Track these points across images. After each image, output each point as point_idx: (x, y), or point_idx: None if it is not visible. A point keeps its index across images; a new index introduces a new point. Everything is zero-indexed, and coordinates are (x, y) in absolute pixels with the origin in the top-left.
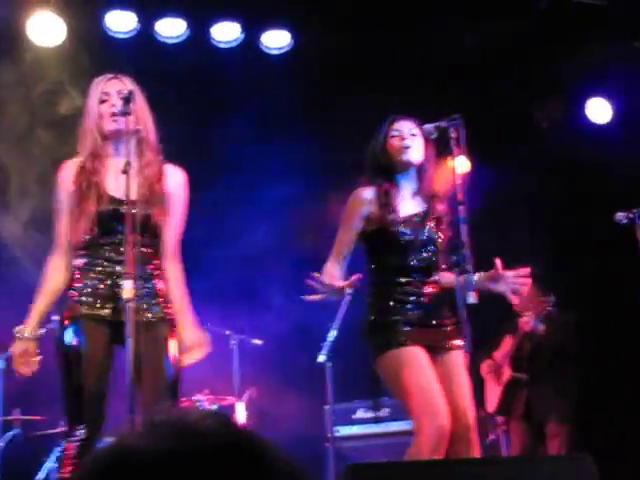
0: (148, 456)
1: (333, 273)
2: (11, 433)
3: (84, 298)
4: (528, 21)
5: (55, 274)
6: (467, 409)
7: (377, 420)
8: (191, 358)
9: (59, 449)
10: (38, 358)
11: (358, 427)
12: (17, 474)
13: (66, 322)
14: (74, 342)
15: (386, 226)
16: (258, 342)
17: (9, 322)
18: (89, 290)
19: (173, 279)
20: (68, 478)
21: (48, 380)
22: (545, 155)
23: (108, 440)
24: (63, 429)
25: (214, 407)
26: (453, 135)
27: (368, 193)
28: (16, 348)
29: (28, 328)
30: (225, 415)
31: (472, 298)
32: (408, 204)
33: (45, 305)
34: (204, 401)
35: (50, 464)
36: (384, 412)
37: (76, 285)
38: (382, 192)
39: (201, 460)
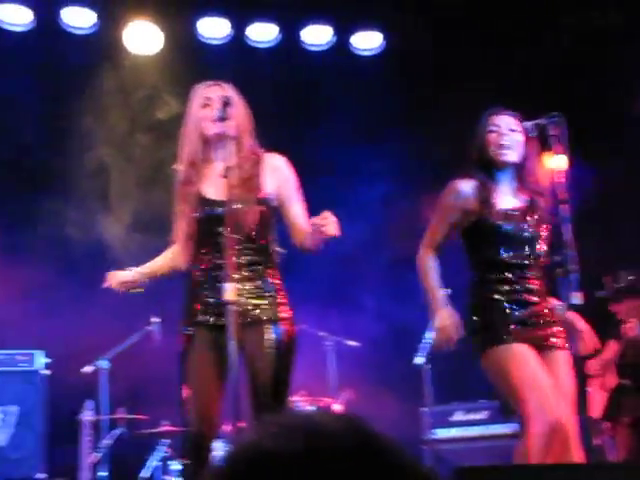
0: (282, 457)
1: (428, 267)
2: (117, 431)
3: (195, 305)
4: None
5: (169, 255)
6: (569, 415)
7: (476, 423)
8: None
9: (163, 448)
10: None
11: (456, 429)
12: (123, 471)
13: (184, 327)
14: (184, 347)
15: (485, 219)
16: (354, 344)
17: (111, 325)
18: (199, 298)
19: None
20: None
21: (151, 381)
22: None
23: (238, 441)
24: (167, 428)
25: (311, 409)
26: (553, 133)
27: (467, 185)
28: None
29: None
30: (354, 416)
31: (576, 299)
32: (508, 200)
33: (154, 265)
34: (301, 402)
35: (154, 462)
36: (483, 414)
37: (190, 293)
38: (481, 185)
39: (333, 461)
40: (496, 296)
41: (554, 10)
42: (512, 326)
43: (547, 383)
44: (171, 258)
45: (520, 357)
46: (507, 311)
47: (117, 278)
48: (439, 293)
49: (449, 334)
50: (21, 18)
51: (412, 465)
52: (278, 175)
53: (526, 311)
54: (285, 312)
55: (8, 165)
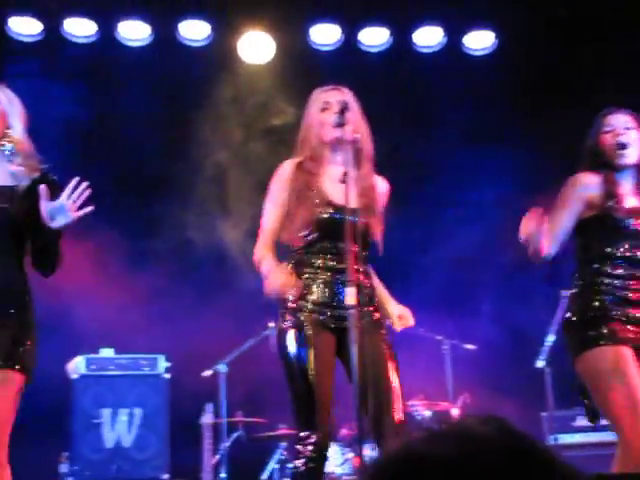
0: (436, 461)
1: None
2: (235, 435)
3: (308, 304)
4: None
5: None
6: None
7: (600, 428)
8: (403, 322)
9: (280, 450)
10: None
11: (580, 435)
12: (241, 473)
13: (288, 329)
14: (300, 348)
15: (609, 213)
16: (471, 347)
17: (229, 329)
18: (310, 297)
19: (375, 279)
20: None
21: (268, 385)
22: None
23: (389, 446)
24: (284, 431)
25: (428, 413)
26: None
27: (592, 178)
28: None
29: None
30: (504, 420)
31: None
32: (630, 198)
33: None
34: (419, 406)
35: (273, 465)
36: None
37: (296, 289)
38: (607, 179)
39: (488, 464)
40: (598, 291)
41: None
42: (611, 325)
43: None
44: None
45: (615, 362)
46: (608, 308)
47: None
48: None
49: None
50: (139, 34)
51: (564, 467)
52: (380, 199)
53: (630, 309)
54: (383, 319)
55: (130, 174)
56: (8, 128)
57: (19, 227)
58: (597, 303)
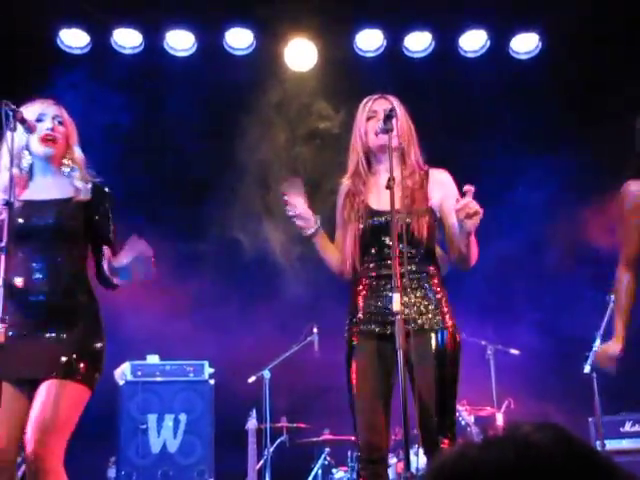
0: (491, 467)
1: (619, 288)
2: (279, 440)
3: (360, 315)
4: None
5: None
6: None
7: None
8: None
9: (324, 455)
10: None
11: (627, 441)
12: (285, 479)
13: (348, 338)
14: (349, 357)
15: None
16: (515, 352)
17: (273, 335)
18: (368, 306)
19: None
20: None
21: (311, 390)
22: None
23: (444, 452)
24: (327, 437)
25: (472, 418)
26: None
27: None
28: None
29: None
30: (560, 426)
31: None
32: None
33: (329, 244)
34: (463, 411)
35: (317, 470)
36: None
37: (356, 300)
38: None
39: (545, 470)
40: None
41: None
42: None
43: None
44: (337, 260)
45: None
46: None
47: (298, 202)
48: (621, 319)
49: (604, 362)
50: (185, 43)
51: (624, 473)
52: (443, 189)
53: None
54: (449, 320)
55: (176, 179)
56: (69, 148)
57: (74, 237)
58: None
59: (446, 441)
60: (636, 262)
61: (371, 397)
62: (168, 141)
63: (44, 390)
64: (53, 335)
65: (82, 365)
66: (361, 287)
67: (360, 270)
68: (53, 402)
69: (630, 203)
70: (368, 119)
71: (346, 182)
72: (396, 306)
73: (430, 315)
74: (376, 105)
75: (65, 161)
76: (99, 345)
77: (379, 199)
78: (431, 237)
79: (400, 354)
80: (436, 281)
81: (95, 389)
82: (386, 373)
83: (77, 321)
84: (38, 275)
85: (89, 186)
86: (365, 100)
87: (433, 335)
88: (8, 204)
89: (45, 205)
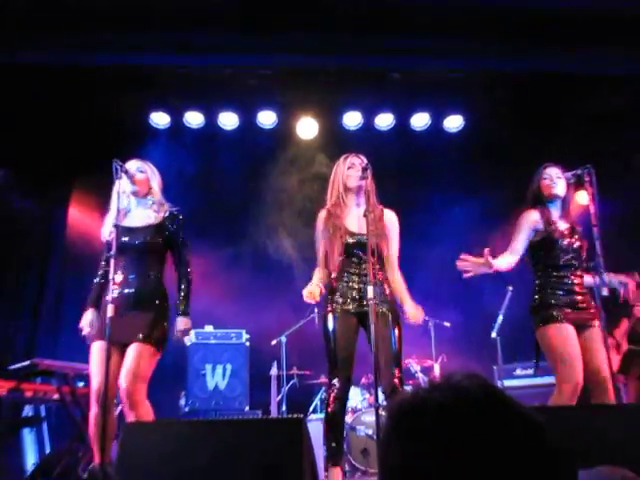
0: (435, 404)
1: (509, 261)
2: (291, 382)
3: (339, 299)
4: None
5: (319, 276)
6: (604, 369)
7: (529, 376)
8: (415, 319)
9: (322, 392)
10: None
11: (518, 380)
12: (296, 408)
13: (328, 314)
14: (333, 326)
15: (550, 236)
16: (447, 324)
17: (288, 314)
18: (342, 294)
19: (397, 282)
20: (331, 412)
21: (312, 349)
22: None
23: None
24: (323, 380)
25: (418, 367)
26: (587, 179)
27: (535, 214)
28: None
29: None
30: (480, 374)
31: (605, 292)
32: (559, 223)
33: (318, 279)
34: (413, 363)
35: (316, 401)
36: (533, 371)
37: (334, 291)
38: (545, 213)
39: (471, 407)
40: (550, 287)
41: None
42: (561, 309)
43: (577, 356)
44: (323, 274)
45: (562, 334)
46: (557, 298)
47: (314, 293)
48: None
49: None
50: (232, 121)
51: (526, 412)
52: (390, 225)
53: (571, 298)
54: (395, 305)
55: (222, 207)
56: (150, 188)
57: (157, 252)
58: (550, 295)
59: (397, 381)
60: (518, 252)
61: (350, 353)
62: (217, 183)
63: (131, 350)
64: (138, 314)
65: (155, 335)
66: (340, 282)
67: (343, 270)
68: (137, 358)
69: (526, 222)
70: (349, 168)
71: (324, 211)
72: (370, 294)
73: (386, 302)
74: (354, 160)
75: (150, 197)
76: (165, 324)
77: (355, 224)
78: (384, 251)
79: (372, 325)
80: (386, 279)
81: (163, 350)
82: (353, 338)
83: (153, 307)
84: (131, 275)
85: (163, 212)
86: (345, 155)
87: (389, 314)
88: (116, 227)
89: (136, 230)
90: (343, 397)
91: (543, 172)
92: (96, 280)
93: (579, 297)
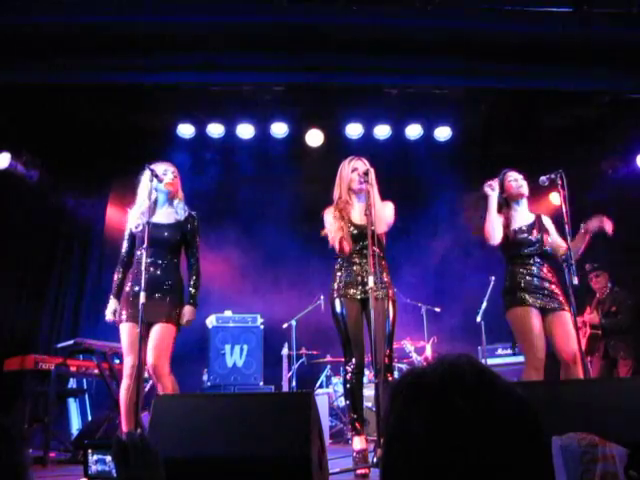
0: (432, 378)
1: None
2: (300, 360)
3: (344, 285)
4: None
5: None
6: (574, 349)
7: (508, 355)
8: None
9: (327, 369)
10: None
11: (499, 359)
12: (304, 384)
13: (335, 300)
14: (340, 310)
15: (511, 233)
16: (437, 309)
17: (298, 300)
18: (347, 280)
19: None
20: (350, 388)
21: (319, 331)
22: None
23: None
24: (329, 359)
25: (412, 347)
26: (559, 182)
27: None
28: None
29: None
30: (471, 355)
31: (575, 281)
32: (522, 219)
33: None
34: (408, 343)
35: (322, 378)
36: (510, 350)
37: (339, 277)
38: (505, 213)
39: (465, 381)
40: (518, 274)
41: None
42: (527, 293)
43: (540, 335)
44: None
45: (526, 316)
46: (524, 283)
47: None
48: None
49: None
50: (249, 132)
51: (511, 387)
52: (390, 213)
53: (538, 284)
54: (392, 292)
55: (238, 207)
56: (177, 191)
57: (176, 246)
58: (518, 282)
59: (387, 359)
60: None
61: (360, 333)
62: (235, 187)
63: (156, 330)
64: (162, 298)
65: (174, 315)
66: (349, 269)
67: (348, 258)
68: (161, 337)
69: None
70: (352, 171)
71: (331, 207)
72: (370, 283)
73: (384, 289)
74: (356, 163)
75: (175, 199)
76: (182, 305)
77: (358, 217)
78: (384, 241)
79: (372, 310)
80: (385, 267)
81: (181, 328)
82: (360, 321)
83: (174, 292)
84: (157, 263)
85: (185, 213)
86: (349, 159)
87: (386, 300)
88: (148, 223)
89: (162, 226)
90: (360, 373)
91: (507, 176)
92: (117, 276)
93: (545, 283)
